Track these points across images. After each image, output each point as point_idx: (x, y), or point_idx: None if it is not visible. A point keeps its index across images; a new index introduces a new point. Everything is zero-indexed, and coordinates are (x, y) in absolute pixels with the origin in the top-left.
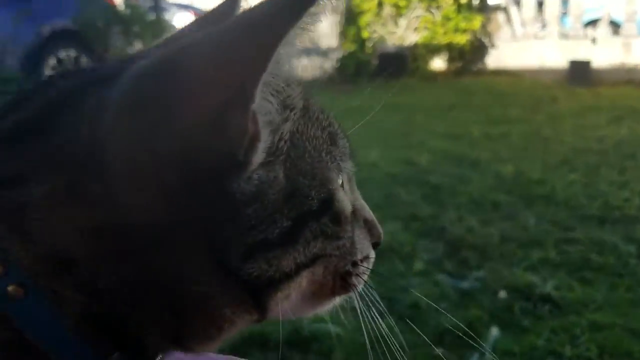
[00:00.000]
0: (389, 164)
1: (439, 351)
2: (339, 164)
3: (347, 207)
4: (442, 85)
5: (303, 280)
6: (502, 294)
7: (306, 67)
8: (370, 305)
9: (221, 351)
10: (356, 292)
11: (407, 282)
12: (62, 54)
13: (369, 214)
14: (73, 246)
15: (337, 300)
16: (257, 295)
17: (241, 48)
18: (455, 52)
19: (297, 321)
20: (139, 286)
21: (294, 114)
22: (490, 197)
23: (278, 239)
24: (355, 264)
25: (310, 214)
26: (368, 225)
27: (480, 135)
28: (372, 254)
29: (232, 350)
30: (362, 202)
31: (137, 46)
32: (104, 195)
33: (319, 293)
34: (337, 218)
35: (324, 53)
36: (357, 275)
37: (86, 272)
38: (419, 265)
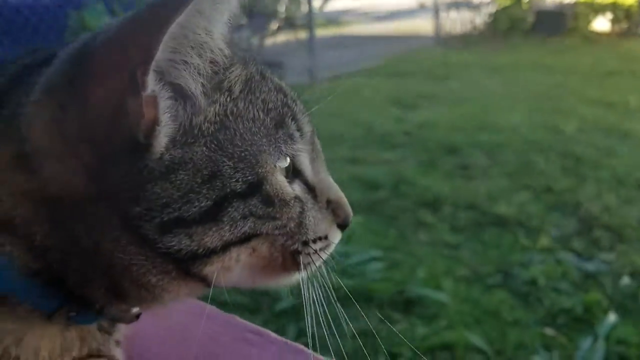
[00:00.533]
0: (530, 130)
1: (549, 332)
2: (281, 146)
3: (284, 190)
4: (603, 47)
5: (240, 256)
6: (626, 279)
7: (455, 22)
8: (317, 286)
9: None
10: (307, 271)
11: (528, 257)
12: None
13: (335, 194)
14: (14, 209)
15: (298, 275)
16: (183, 267)
17: (129, 35)
18: (620, 13)
19: (403, 283)
20: (69, 249)
21: (228, 97)
22: (636, 175)
23: (197, 216)
24: (305, 244)
25: (235, 195)
26: (332, 206)
27: (638, 105)
28: (335, 234)
29: (337, 299)
30: (329, 182)
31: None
32: (36, 166)
33: (269, 268)
34: (269, 200)
35: (475, 7)
36: (308, 254)
37: (25, 233)
38: (544, 241)
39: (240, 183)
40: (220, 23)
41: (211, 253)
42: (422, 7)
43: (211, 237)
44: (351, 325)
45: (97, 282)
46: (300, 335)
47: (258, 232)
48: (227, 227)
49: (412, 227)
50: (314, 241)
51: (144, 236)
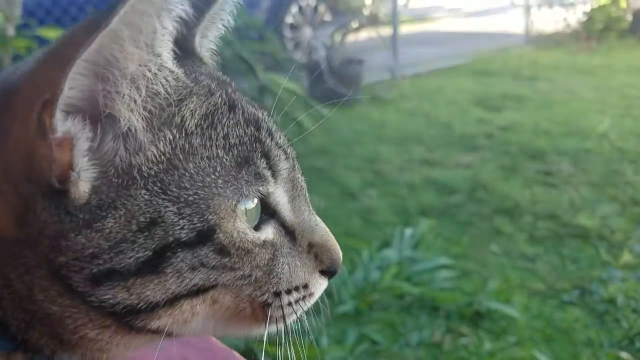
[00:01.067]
0: (620, 137)
1: (625, 356)
2: (242, 188)
3: (243, 237)
4: None
5: (197, 308)
6: None
7: (547, 20)
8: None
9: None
10: (280, 325)
11: (608, 273)
12: (304, 2)
13: (320, 236)
14: None
15: (271, 328)
16: (124, 322)
17: (40, 70)
18: None
19: (473, 294)
20: (5, 293)
21: (180, 133)
22: None
23: (134, 268)
24: (277, 294)
25: (180, 244)
26: (315, 250)
27: None
28: (317, 283)
29: (400, 310)
30: (313, 222)
31: None
32: None
33: (236, 320)
34: (223, 250)
35: (569, 5)
36: (280, 307)
37: None
38: (627, 257)
39: (186, 231)
40: (164, 42)
41: (155, 307)
42: (513, 5)
43: (153, 290)
44: (415, 334)
45: (37, 329)
46: (360, 341)
47: (214, 283)
48: (172, 280)
49: (487, 235)
50: (289, 292)
51: (73, 288)
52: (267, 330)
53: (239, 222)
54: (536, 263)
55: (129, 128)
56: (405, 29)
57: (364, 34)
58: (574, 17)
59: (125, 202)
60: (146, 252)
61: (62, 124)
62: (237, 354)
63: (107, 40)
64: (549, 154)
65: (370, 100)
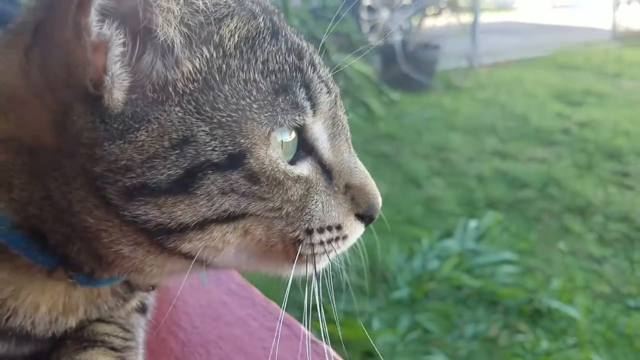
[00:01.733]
0: None
1: None
2: (278, 116)
3: (275, 167)
4: None
5: (228, 236)
6: None
7: (635, 17)
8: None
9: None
10: (312, 265)
11: None
12: None
13: (359, 179)
14: (6, 162)
15: (304, 269)
16: (156, 240)
17: None
18: None
19: (534, 291)
20: (44, 205)
21: (217, 52)
22: None
23: (166, 186)
24: (309, 232)
25: (211, 166)
26: (352, 192)
27: None
28: (353, 226)
29: (457, 301)
30: (353, 164)
31: None
32: (9, 112)
33: (269, 255)
34: (253, 177)
35: None
36: (312, 244)
37: (7, 182)
38: None
39: (217, 152)
40: None
41: (185, 229)
42: None
43: (183, 211)
44: (470, 327)
45: (76, 244)
46: (413, 328)
47: (244, 212)
48: (202, 202)
49: (555, 233)
50: (321, 230)
51: (108, 200)
52: (298, 270)
53: (272, 150)
54: (603, 265)
55: (166, 42)
56: (486, 17)
57: (443, 20)
58: None
59: (159, 116)
60: (177, 171)
61: (98, 27)
62: (274, 304)
63: None
64: (627, 154)
65: (445, 87)
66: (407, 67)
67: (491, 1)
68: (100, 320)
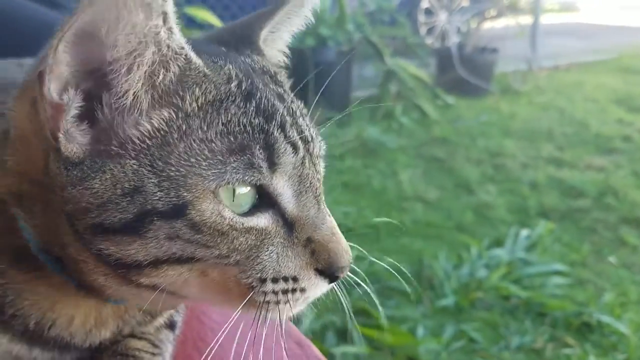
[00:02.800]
0: None
1: None
2: (226, 174)
3: (217, 219)
4: None
5: (184, 275)
6: None
7: None
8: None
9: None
10: (266, 312)
11: None
12: None
13: (323, 235)
14: (20, 185)
15: (268, 315)
16: (119, 272)
17: (53, 39)
18: None
19: (584, 304)
20: (49, 233)
21: (178, 114)
22: None
23: (119, 227)
24: (263, 281)
25: (157, 213)
26: (313, 246)
27: None
28: (312, 280)
29: (504, 311)
30: (321, 221)
31: None
32: (18, 150)
33: (228, 295)
34: (196, 227)
35: None
36: (264, 293)
37: (28, 209)
38: None
39: (162, 202)
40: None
41: (139, 266)
42: None
43: (137, 250)
44: (516, 338)
45: (74, 266)
46: (458, 337)
47: (192, 256)
48: (152, 244)
49: (610, 245)
50: (275, 280)
51: (80, 234)
52: (262, 314)
53: (216, 203)
54: None
55: (127, 104)
56: (548, 19)
57: (502, 22)
58: None
59: (113, 168)
60: (127, 215)
61: (56, 92)
62: (294, 327)
63: (104, 7)
64: None
65: (502, 91)
66: (463, 71)
67: (554, 2)
68: (132, 335)
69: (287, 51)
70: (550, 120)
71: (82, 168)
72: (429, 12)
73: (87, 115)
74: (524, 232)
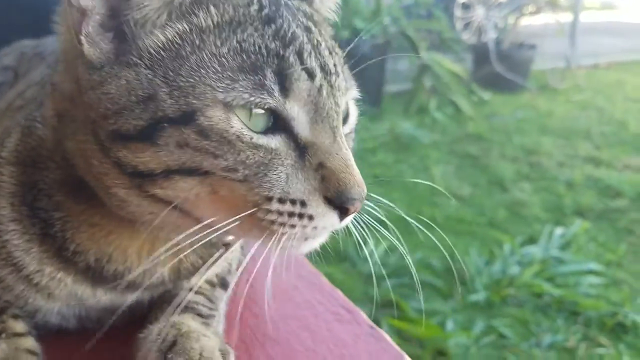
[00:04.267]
0: None
1: None
2: (234, 89)
3: (224, 126)
4: None
5: (195, 190)
6: None
7: None
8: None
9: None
10: (272, 233)
11: None
12: None
13: (336, 163)
14: (62, 105)
15: (278, 244)
16: (136, 184)
17: None
18: None
19: (619, 305)
20: (82, 162)
21: (193, 28)
22: None
23: (134, 133)
24: (268, 199)
25: (168, 120)
26: (323, 172)
27: None
28: (321, 208)
29: (536, 309)
30: (336, 150)
31: None
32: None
33: (234, 213)
34: (204, 132)
35: None
36: (269, 211)
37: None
38: None
39: (172, 109)
40: None
41: (152, 174)
42: None
43: (151, 157)
44: (548, 336)
45: (97, 190)
46: (488, 332)
47: (200, 166)
48: (163, 152)
49: None
50: (282, 200)
51: (102, 143)
52: (268, 240)
53: (227, 112)
54: None
55: (146, 15)
56: (588, 17)
57: (541, 19)
58: None
59: (128, 75)
60: (141, 122)
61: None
62: (339, 292)
63: None
64: None
65: (539, 89)
66: (500, 67)
67: (594, 0)
68: (191, 290)
69: (335, 13)
70: (589, 119)
71: (101, 73)
72: (466, 6)
73: (113, 27)
74: (559, 231)
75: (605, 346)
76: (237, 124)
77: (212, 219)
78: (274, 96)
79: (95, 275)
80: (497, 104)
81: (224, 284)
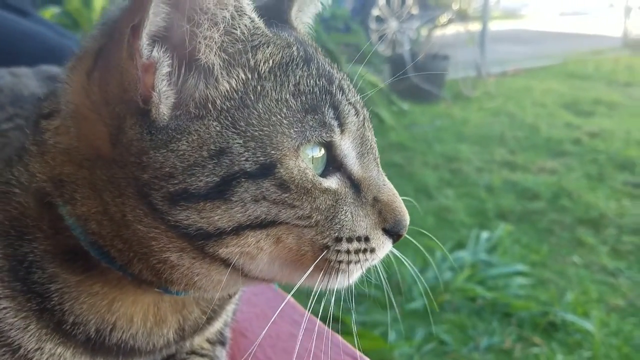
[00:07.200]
0: None
1: None
2: (306, 132)
3: (304, 177)
4: None
5: (261, 243)
6: None
7: None
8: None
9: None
10: (339, 274)
11: None
12: None
13: (387, 195)
14: (62, 167)
15: (331, 280)
16: (197, 245)
17: (127, 8)
18: None
19: (548, 304)
20: (104, 220)
21: (253, 74)
22: None
23: (204, 192)
24: (338, 240)
25: (245, 174)
26: (379, 206)
27: None
28: (381, 240)
29: (472, 312)
30: (382, 182)
31: None
32: (71, 128)
33: (300, 263)
34: (284, 185)
35: None
36: (339, 252)
37: (71, 195)
38: None
39: (250, 162)
40: None
41: (222, 233)
42: (611, 6)
43: (220, 216)
44: (485, 339)
45: (135, 261)
46: (429, 339)
47: (275, 218)
48: (237, 208)
49: (567, 246)
50: (349, 240)
51: (154, 206)
52: (327, 280)
53: (301, 162)
54: (618, 278)
55: (207, 65)
56: (494, 26)
57: (452, 30)
58: None
59: (199, 129)
60: (214, 178)
61: (148, 50)
62: (339, 337)
63: None
64: (639, 165)
65: (454, 97)
66: (416, 78)
67: (499, 9)
68: (194, 352)
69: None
70: (502, 125)
71: (168, 131)
72: (380, 19)
73: (172, 76)
74: (484, 235)
75: (539, 345)
76: (310, 171)
77: (266, 271)
78: (334, 131)
79: (96, 346)
80: (416, 113)
81: (222, 341)
